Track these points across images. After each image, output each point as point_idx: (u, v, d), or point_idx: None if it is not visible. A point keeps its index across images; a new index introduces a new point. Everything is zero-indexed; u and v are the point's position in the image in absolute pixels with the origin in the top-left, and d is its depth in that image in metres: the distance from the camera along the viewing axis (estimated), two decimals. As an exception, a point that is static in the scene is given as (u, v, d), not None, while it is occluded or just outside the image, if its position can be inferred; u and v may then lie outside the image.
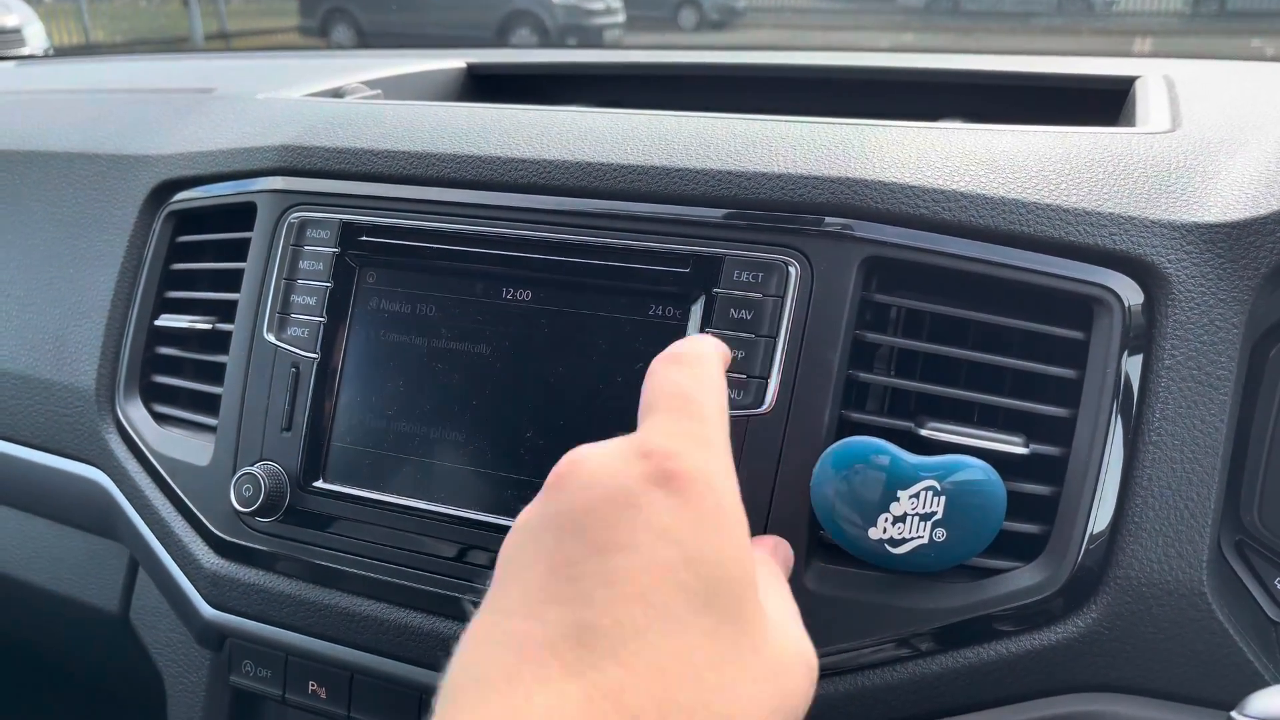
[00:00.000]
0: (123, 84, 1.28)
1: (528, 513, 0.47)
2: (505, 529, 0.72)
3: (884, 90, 1.22)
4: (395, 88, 1.19)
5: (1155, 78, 0.97)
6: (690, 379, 0.50)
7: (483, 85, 1.33)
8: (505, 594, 0.44)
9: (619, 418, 0.71)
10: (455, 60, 1.31)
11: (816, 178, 0.69)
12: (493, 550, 0.73)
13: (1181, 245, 0.64)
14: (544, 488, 0.46)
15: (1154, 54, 1.25)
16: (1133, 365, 0.64)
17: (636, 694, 0.38)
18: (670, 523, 0.43)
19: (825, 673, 0.66)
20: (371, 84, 1.15)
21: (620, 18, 10.33)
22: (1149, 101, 0.88)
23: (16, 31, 4.31)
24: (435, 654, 0.76)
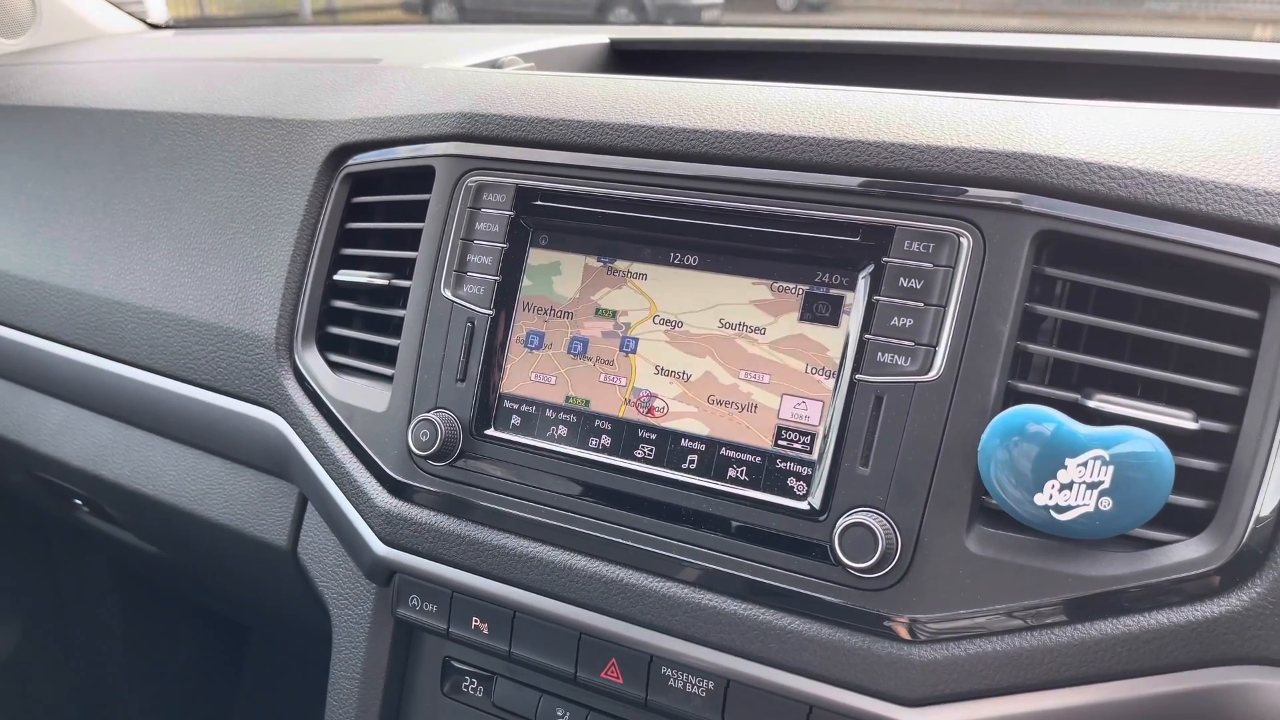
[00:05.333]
0: (284, 54, 1.35)
1: None
2: (664, 480, 0.77)
3: (1021, 70, 1.22)
4: (545, 61, 1.23)
5: None
6: None
7: (624, 60, 1.36)
8: None
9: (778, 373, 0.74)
10: (599, 35, 1.35)
11: (992, 152, 0.70)
12: (650, 498, 0.77)
13: (1366, 227, 0.64)
14: None
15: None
16: (1308, 346, 0.65)
17: None
18: None
19: (986, 632, 0.68)
20: (525, 56, 1.19)
21: (720, -1, 10.25)
22: None
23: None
24: (596, 596, 0.80)
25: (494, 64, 1.15)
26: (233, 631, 1.82)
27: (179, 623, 1.79)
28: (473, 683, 0.92)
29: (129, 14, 1.78)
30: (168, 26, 1.82)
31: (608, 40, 1.35)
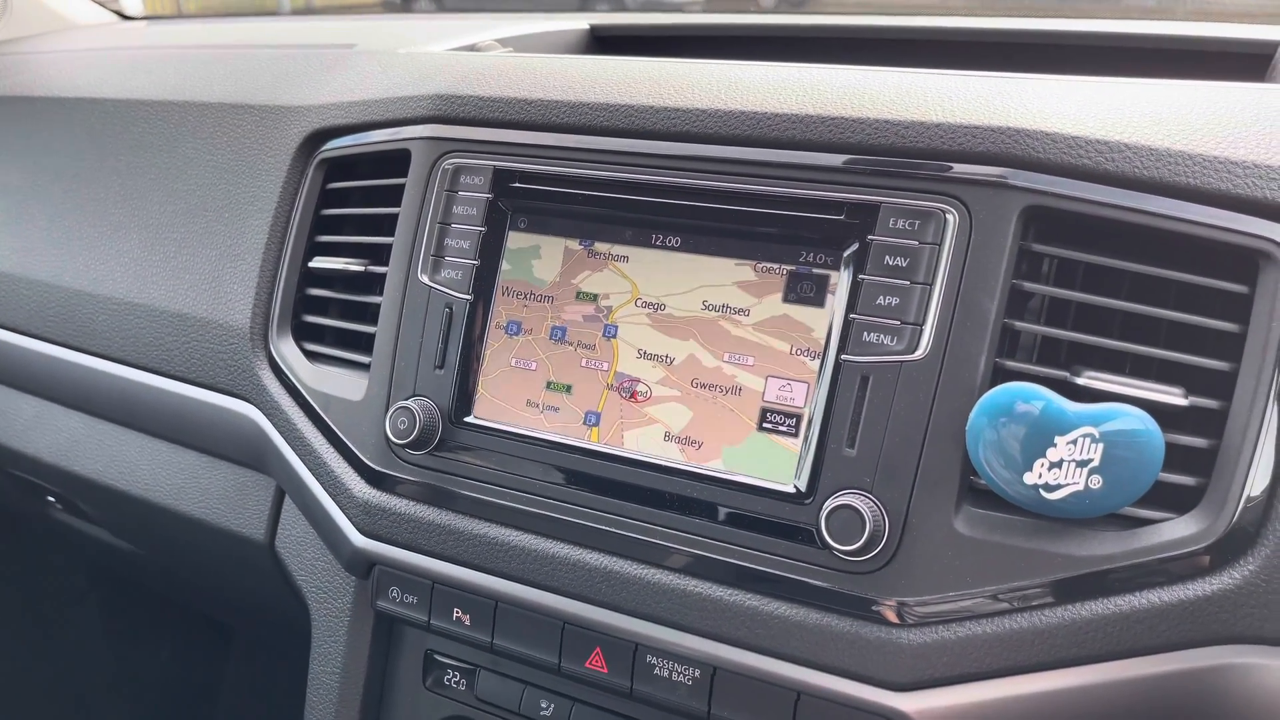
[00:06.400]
0: (257, 41, 1.32)
1: None
2: (648, 465, 0.75)
3: (1006, 52, 1.21)
4: (524, 46, 1.22)
5: None
6: None
7: (604, 46, 1.34)
8: None
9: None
10: (578, 21, 1.33)
11: (977, 127, 0.69)
12: (635, 484, 0.76)
13: (1354, 199, 0.64)
14: None
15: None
16: (1298, 320, 0.64)
17: None
18: None
19: (975, 615, 0.67)
20: (503, 41, 1.18)
21: (700, -7, 10.22)
22: None
23: (114, -4, 4.48)
24: (579, 584, 0.79)
25: (472, 48, 1.13)
26: (213, 629, 1.80)
27: (159, 622, 1.76)
28: (455, 675, 0.91)
29: (103, 6, 1.75)
30: (141, 19, 1.79)
31: (588, 26, 1.33)
